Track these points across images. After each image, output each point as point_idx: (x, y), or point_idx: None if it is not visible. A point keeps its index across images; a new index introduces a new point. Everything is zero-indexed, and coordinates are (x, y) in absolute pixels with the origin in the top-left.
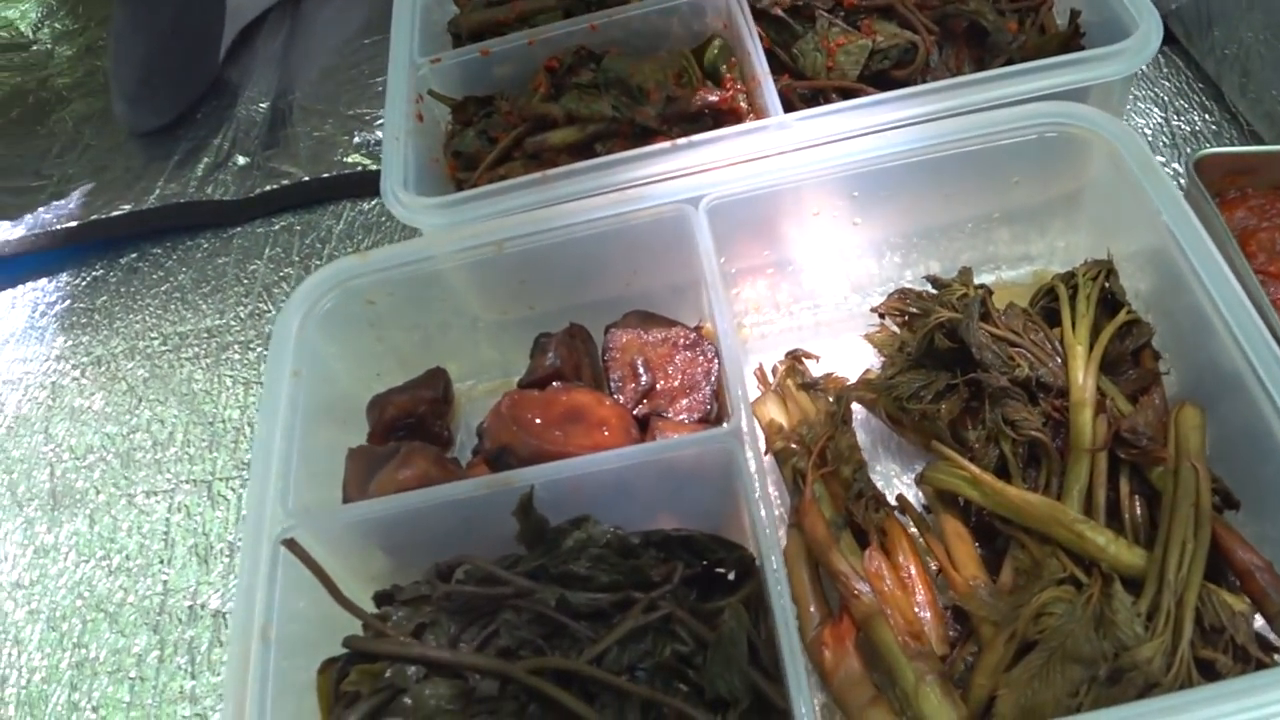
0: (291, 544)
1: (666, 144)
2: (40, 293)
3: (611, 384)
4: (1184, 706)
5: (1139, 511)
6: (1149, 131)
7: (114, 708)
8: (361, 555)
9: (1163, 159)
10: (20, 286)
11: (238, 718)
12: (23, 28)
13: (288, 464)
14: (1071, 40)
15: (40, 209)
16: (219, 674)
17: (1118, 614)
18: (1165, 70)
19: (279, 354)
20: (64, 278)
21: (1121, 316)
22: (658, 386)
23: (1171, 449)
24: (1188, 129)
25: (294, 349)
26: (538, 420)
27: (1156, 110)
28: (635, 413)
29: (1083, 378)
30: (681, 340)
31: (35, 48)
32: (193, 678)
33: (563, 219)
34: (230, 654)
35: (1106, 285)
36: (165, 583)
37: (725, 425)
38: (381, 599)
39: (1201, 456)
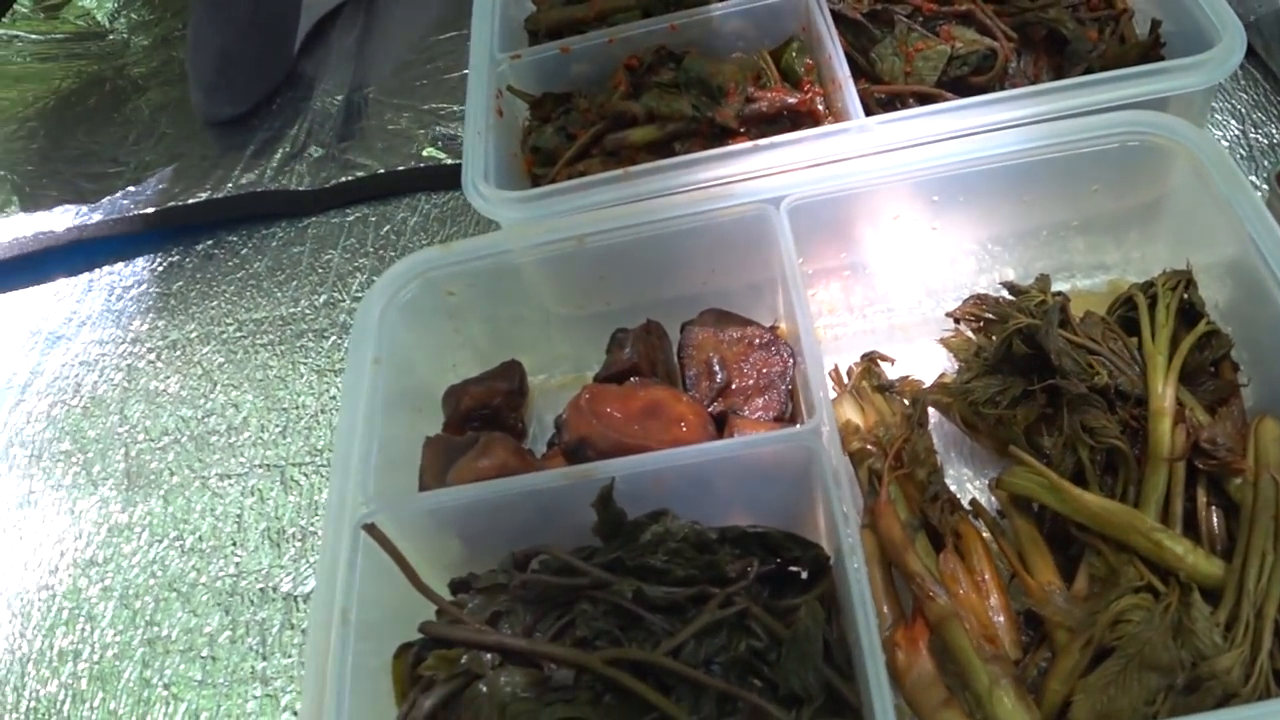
0: (372, 529)
1: (748, 144)
2: (117, 277)
3: (687, 381)
4: (1263, 717)
5: (1216, 522)
6: (1226, 143)
7: (186, 685)
8: (439, 543)
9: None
10: (97, 270)
11: (318, 697)
12: (100, 17)
13: (368, 450)
14: (1152, 50)
15: (117, 195)
16: (290, 656)
17: (1196, 623)
18: (1243, 82)
19: (360, 341)
20: (140, 263)
21: (1201, 327)
22: (733, 385)
23: (1251, 461)
24: (1265, 141)
25: (375, 337)
26: (617, 414)
27: (1234, 122)
28: (710, 410)
29: (1162, 387)
30: (757, 339)
31: (112, 37)
32: (264, 659)
33: (645, 215)
34: (310, 635)
35: (1186, 296)
36: (237, 564)
37: (806, 424)
38: (457, 586)
39: None
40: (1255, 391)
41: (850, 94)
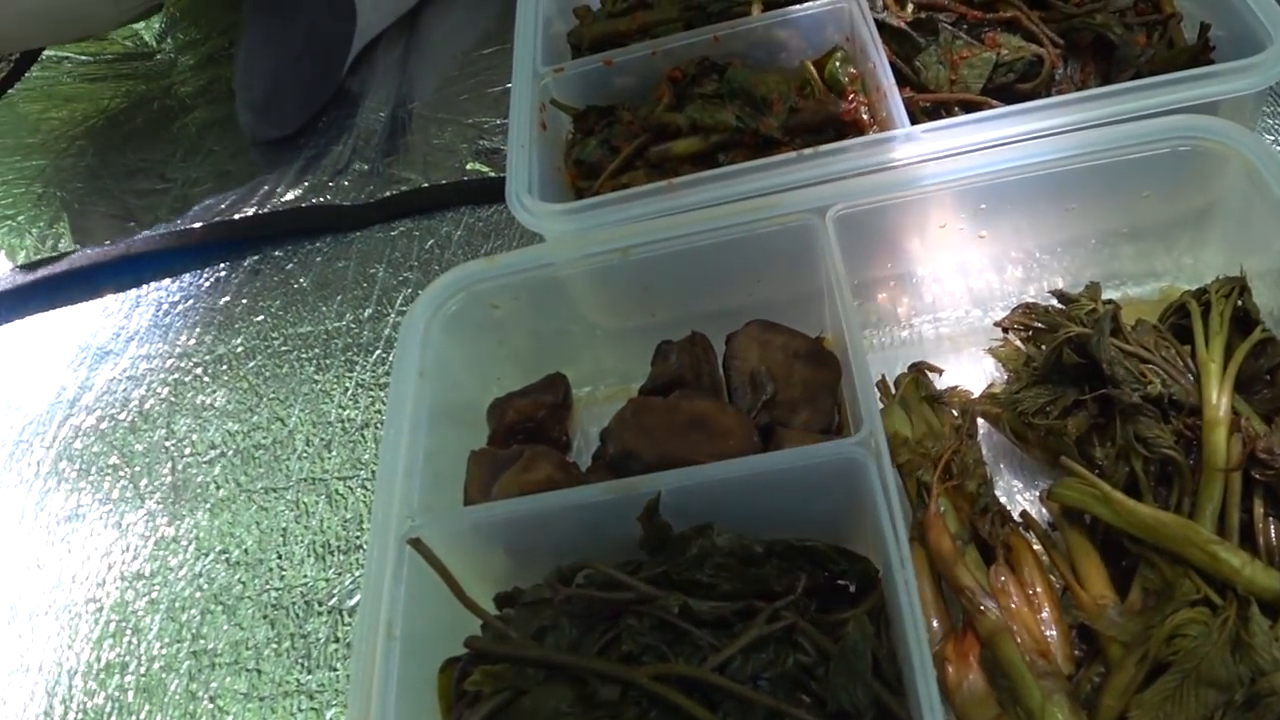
0: (417, 543)
1: (792, 154)
2: (164, 292)
3: (733, 392)
4: None
5: (1274, 534)
6: (1277, 148)
7: (231, 698)
8: (484, 557)
9: None
10: (145, 286)
11: (363, 712)
12: (147, 38)
13: (413, 464)
14: (1201, 54)
15: (165, 211)
16: (335, 669)
17: (1255, 637)
18: None
19: (405, 355)
20: (187, 278)
21: (1256, 335)
22: (778, 397)
23: None
24: None
25: (420, 350)
26: (662, 427)
27: None
28: (756, 422)
29: (1216, 396)
30: (803, 351)
31: (159, 57)
32: (309, 672)
33: (689, 227)
34: (355, 649)
35: (1240, 302)
36: (283, 578)
37: (855, 436)
38: (503, 600)
39: None
40: None
41: (895, 102)
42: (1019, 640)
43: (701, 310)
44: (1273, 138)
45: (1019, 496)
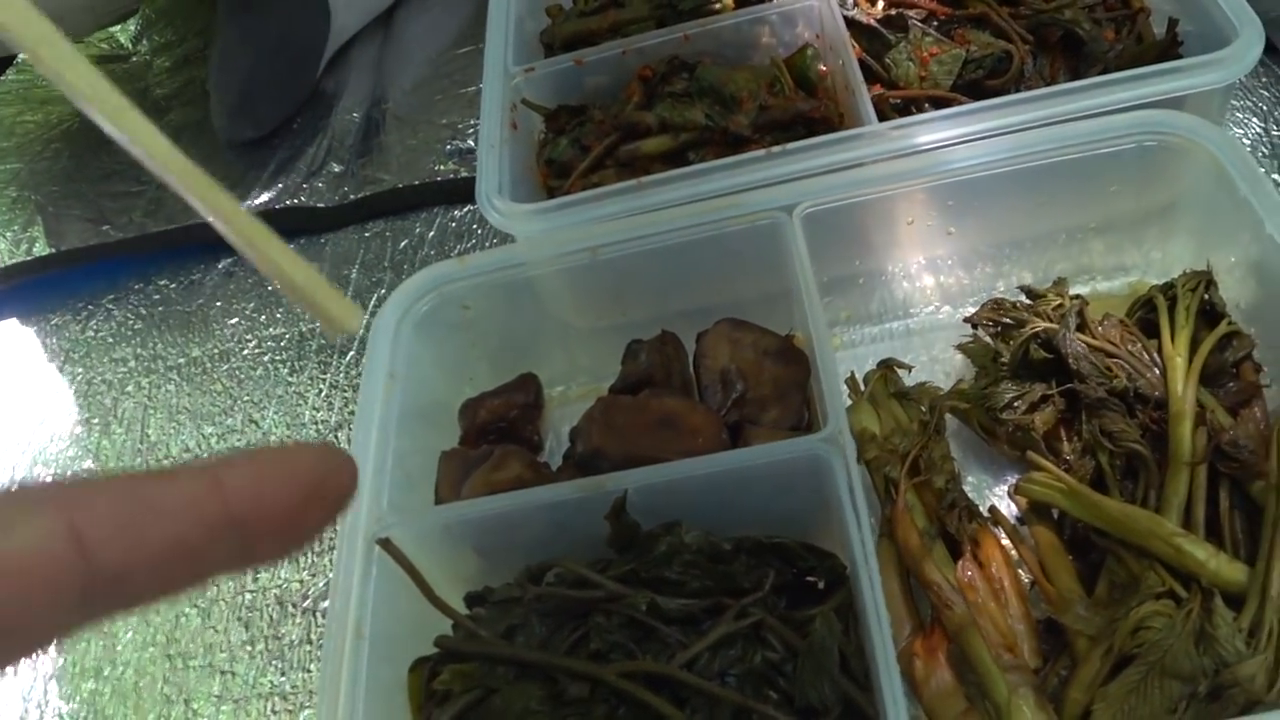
0: (386, 544)
1: (760, 152)
2: (139, 295)
3: (703, 391)
4: None
5: (1239, 526)
6: (1248, 141)
7: (205, 700)
8: (453, 556)
9: (1262, 170)
10: (119, 289)
11: (333, 712)
12: (123, 40)
13: (383, 465)
14: (1169, 49)
15: (139, 214)
16: (309, 670)
17: (1219, 629)
18: (1265, 79)
19: (375, 357)
20: (161, 281)
21: (1221, 328)
22: (748, 395)
23: (1273, 463)
24: None
25: (390, 352)
26: (630, 425)
27: (1256, 120)
28: (726, 420)
29: (1182, 389)
30: (773, 349)
31: (134, 59)
32: (283, 674)
33: (657, 226)
34: (325, 650)
35: (1206, 296)
36: (256, 580)
37: (820, 432)
38: (473, 600)
39: None
40: (1277, 393)
41: (864, 100)
42: (986, 635)
43: (672, 309)
44: (1242, 131)
45: (988, 492)
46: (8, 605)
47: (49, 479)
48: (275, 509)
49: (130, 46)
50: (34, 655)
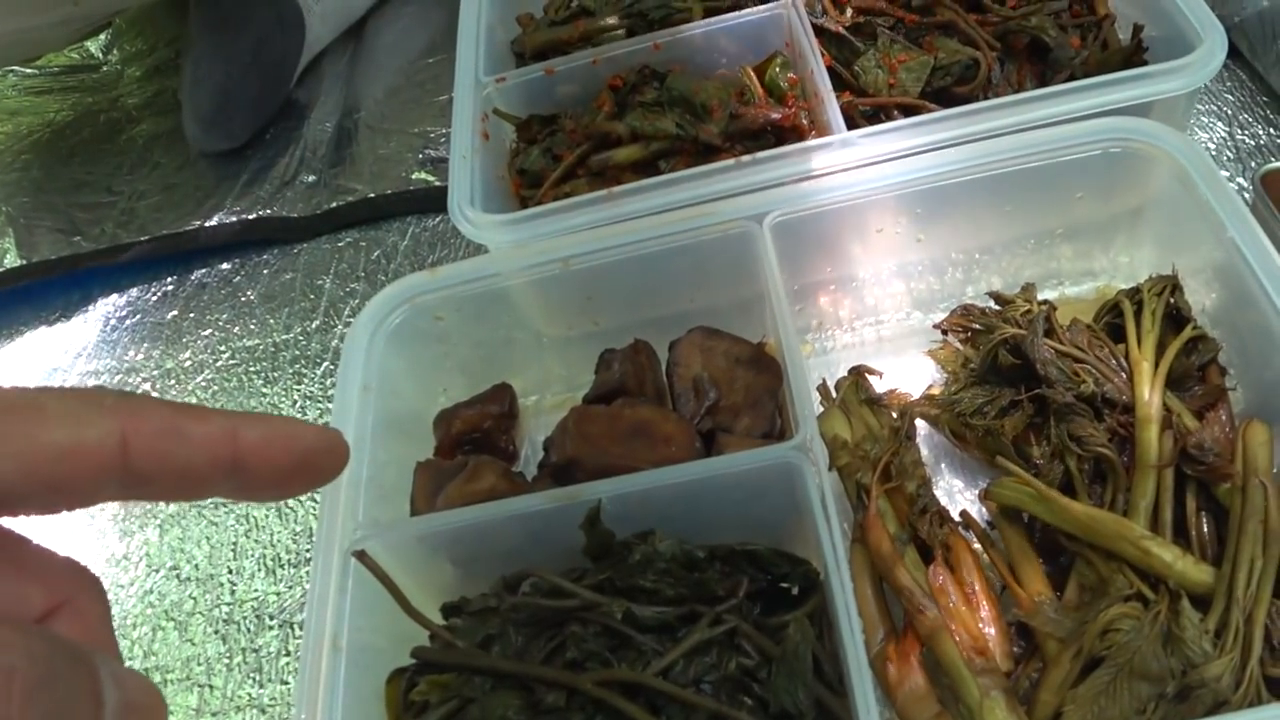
0: (362, 555)
1: (730, 161)
2: (111, 307)
3: (676, 399)
4: None
5: (1205, 528)
6: (1213, 146)
7: (184, 714)
8: (430, 567)
9: (1227, 173)
10: (92, 301)
11: None
12: (93, 49)
13: (358, 477)
14: (1134, 55)
15: (111, 225)
16: (287, 682)
17: (1185, 631)
18: (1229, 84)
19: (349, 369)
20: (134, 292)
21: (1187, 332)
22: (721, 402)
23: (1238, 465)
24: (1252, 143)
25: (364, 364)
26: (604, 435)
27: (1220, 124)
28: (699, 428)
29: (1148, 393)
30: (745, 356)
31: (105, 69)
32: (261, 686)
33: (629, 236)
34: (302, 662)
35: (1172, 301)
36: (234, 592)
37: (791, 440)
38: (449, 610)
39: (1269, 473)
40: (1243, 396)
41: (833, 108)
42: (958, 639)
43: (645, 317)
44: (1207, 135)
45: (959, 496)
46: (68, 474)
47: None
48: (272, 466)
49: (100, 56)
50: (75, 510)
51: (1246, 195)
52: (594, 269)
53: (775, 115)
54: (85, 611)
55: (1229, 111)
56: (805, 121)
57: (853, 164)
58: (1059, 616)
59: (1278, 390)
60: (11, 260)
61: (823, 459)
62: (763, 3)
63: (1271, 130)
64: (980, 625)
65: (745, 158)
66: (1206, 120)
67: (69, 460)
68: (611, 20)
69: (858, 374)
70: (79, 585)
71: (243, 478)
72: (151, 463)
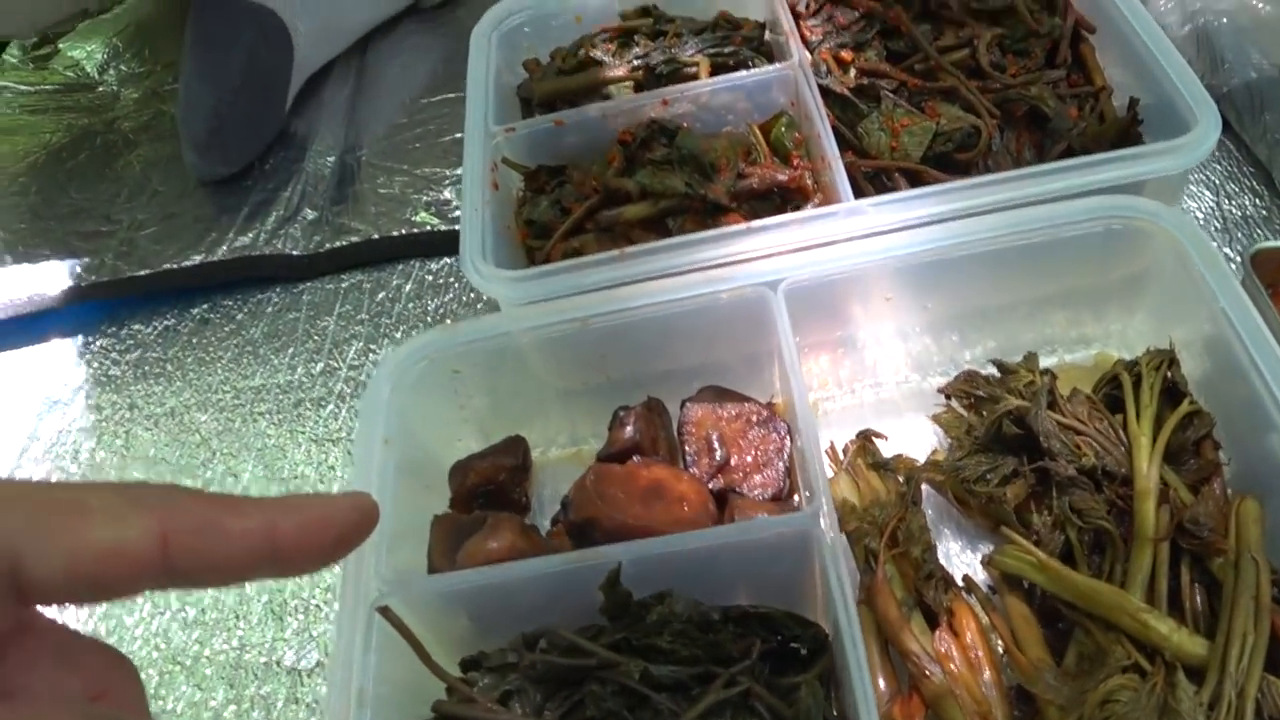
0: (386, 611)
1: (742, 225)
2: (113, 340)
3: (687, 458)
4: None
5: (1199, 600)
6: (1201, 215)
7: None
8: (448, 622)
9: (1215, 243)
10: (93, 334)
11: None
12: (89, 69)
13: (382, 531)
14: (1130, 127)
15: (111, 255)
16: None
17: (1181, 703)
18: (1217, 154)
19: (370, 422)
20: (135, 327)
21: (1184, 408)
22: (732, 462)
23: (1231, 541)
24: (1239, 213)
25: (384, 418)
26: (621, 495)
27: (1209, 194)
28: (711, 488)
29: (1147, 468)
30: (755, 417)
31: (101, 89)
32: None
33: (644, 297)
34: (328, 715)
35: (1169, 375)
36: (241, 638)
37: (806, 507)
38: (468, 665)
39: (1261, 549)
40: (1231, 469)
41: (839, 173)
42: (961, 703)
43: (656, 371)
44: (1195, 204)
45: (961, 559)
46: (110, 572)
47: (155, 485)
48: (310, 549)
49: (97, 76)
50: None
51: (1235, 268)
52: (607, 328)
53: (781, 177)
54: (122, 697)
55: (1217, 181)
56: (810, 183)
57: (861, 233)
58: (1058, 684)
59: (1266, 461)
60: (11, 288)
61: (836, 527)
62: (770, 63)
63: (1258, 201)
64: (983, 690)
65: (756, 223)
66: (1195, 189)
67: (111, 559)
68: (620, 72)
69: (865, 438)
70: (118, 674)
71: (281, 564)
72: (190, 560)
